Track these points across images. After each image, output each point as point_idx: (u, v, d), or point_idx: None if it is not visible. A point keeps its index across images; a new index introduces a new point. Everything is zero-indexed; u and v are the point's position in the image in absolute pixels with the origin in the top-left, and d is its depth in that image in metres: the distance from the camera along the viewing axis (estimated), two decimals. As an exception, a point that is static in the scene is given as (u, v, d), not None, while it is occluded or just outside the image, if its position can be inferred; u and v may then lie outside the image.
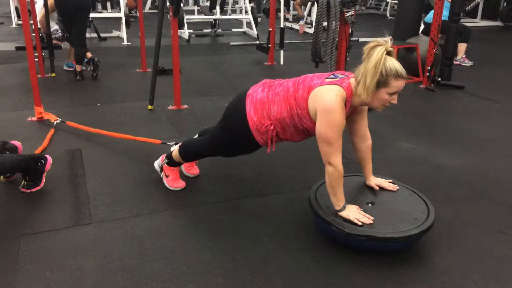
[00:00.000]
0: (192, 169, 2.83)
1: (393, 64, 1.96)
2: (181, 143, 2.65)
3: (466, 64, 6.32)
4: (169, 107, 4.20)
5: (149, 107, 4.14)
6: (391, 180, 2.40)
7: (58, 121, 3.58)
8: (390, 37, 2.09)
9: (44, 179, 2.65)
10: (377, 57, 1.94)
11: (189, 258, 2.05)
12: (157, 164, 2.73)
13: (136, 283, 1.88)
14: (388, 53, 1.98)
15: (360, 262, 2.04)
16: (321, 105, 2.01)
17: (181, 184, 2.67)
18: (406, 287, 1.90)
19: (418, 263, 2.06)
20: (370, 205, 2.20)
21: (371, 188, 2.35)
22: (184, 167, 2.81)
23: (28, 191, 2.59)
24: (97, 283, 1.88)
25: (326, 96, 2.00)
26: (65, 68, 5.61)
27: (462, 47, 6.27)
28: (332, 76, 2.10)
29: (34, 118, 3.77)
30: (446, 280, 1.95)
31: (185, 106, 4.25)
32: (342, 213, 2.09)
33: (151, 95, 4.14)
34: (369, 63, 1.96)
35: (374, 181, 2.36)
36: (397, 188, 2.35)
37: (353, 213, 2.08)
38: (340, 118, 1.99)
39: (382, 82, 1.97)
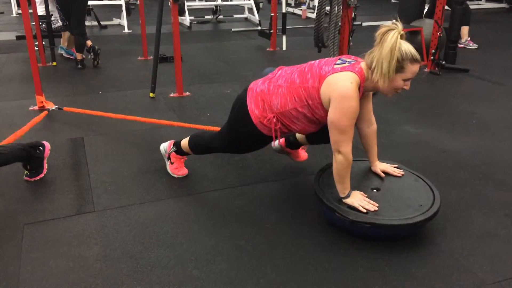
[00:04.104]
0: (301, 153, 2.77)
1: (408, 48, 1.92)
2: (191, 134, 2.61)
3: (471, 47, 6.25)
4: (171, 95, 4.18)
5: (151, 95, 4.12)
6: (396, 165, 2.37)
7: (54, 108, 3.57)
8: (394, 20, 2.04)
9: (45, 166, 2.65)
10: (391, 42, 1.88)
11: (193, 245, 2.05)
12: (163, 148, 2.69)
13: (140, 270, 1.88)
14: (400, 37, 1.93)
15: (364, 247, 2.03)
16: (336, 92, 1.95)
17: (184, 171, 2.66)
18: (410, 271, 1.89)
19: (423, 246, 2.04)
20: (375, 191, 2.18)
21: (376, 174, 2.32)
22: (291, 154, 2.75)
23: (32, 179, 2.59)
24: (101, 271, 1.88)
25: (342, 84, 1.95)
26: (65, 55, 5.60)
27: (464, 30, 6.18)
28: (340, 62, 2.04)
29: (36, 107, 3.76)
30: (451, 263, 1.94)
31: (187, 93, 4.22)
32: (347, 200, 2.07)
33: (152, 83, 4.11)
34: (383, 48, 1.90)
35: (380, 166, 2.33)
36: (403, 173, 2.32)
37: (358, 200, 2.06)
38: (355, 105, 1.95)
39: (397, 67, 1.92)
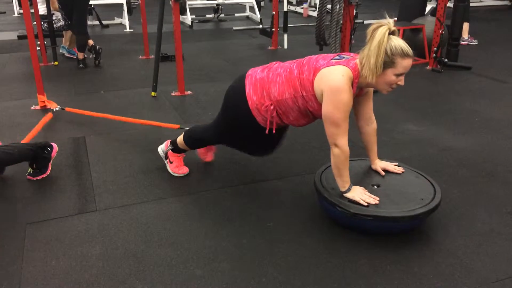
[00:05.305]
0: (207, 155, 2.80)
1: (398, 42, 1.92)
2: (186, 130, 2.63)
3: (473, 43, 6.25)
4: (173, 94, 4.18)
5: (153, 93, 4.12)
6: (396, 163, 2.37)
7: (57, 108, 3.58)
8: (395, 18, 2.04)
9: (50, 167, 2.66)
10: (379, 37, 1.89)
11: (195, 244, 2.05)
12: (161, 149, 2.71)
13: (142, 269, 1.88)
14: (392, 33, 1.93)
15: (365, 245, 2.03)
16: (328, 85, 1.97)
17: (185, 170, 2.66)
18: (412, 269, 1.88)
19: (425, 245, 2.04)
20: (376, 187, 2.18)
21: (376, 171, 2.32)
22: (199, 153, 2.78)
23: (35, 178, 2.60)
24: (103, 270, 1.88)
25: (333, 76, 1.96)
26: (66, 54, 5.60)
27: (465, 26, 6.16)
28: (337, 57, 2.06)
29: (38, 107, 3.77)
30: (453, 262, 1.93)
31: (189, 92, 4.22)
32: (348, 194, 2.07)
33: (154, 81, 4.12)
34: (372, 44, 1.92)
35: (380, 164, 2.33)
36: (403, 170, 2.32)
37: (359, 194, 2.06)
38: (347, 98, 1.95)
39: (388, 62, 1.92)
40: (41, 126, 3.22)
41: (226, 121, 2.38)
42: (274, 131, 2.23)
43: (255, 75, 2.23)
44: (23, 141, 2.91)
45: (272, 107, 2.16)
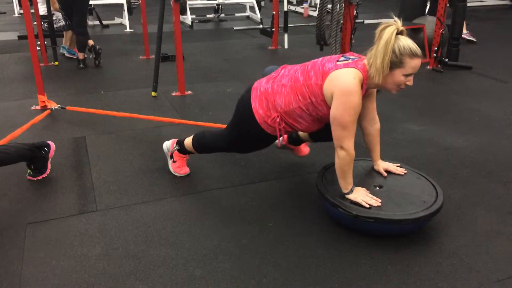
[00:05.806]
0: (302, 151, 2.79)
1: (407, 42, 1.91)
2: (195, 134, 2.60)
3: (472, 39, 6.24)
4: (173, 94, 4.18)
5: (153, 93, 4.11)
6: (398, 164, 2.37)
7: (56, 107, 3.57)
8: (396, 18, 2.03)
9: (49, 166, 2.66)
10: (386, 37, 1.89)
11: (195, 244, 2.05)
12: (166, 146, 2.69)
13: (142, 269, 1.88)
14: (400, 33, 1.93)
15: (367, 245, 2.02)
16: (338, 88, 1.95)
17: (186, 170, 2.66)
18: (413, 269, 1.88)
19: (426, 245, 2.04)
20: (378, 188, 2.18)
21: (379, 172, 2.32)
22: (295, 151, 2.78)
23: (35, 178, 2.60)
24: (104, 270, 1.88)
25: (344, 79, 1.95)
26: (67, 55, 5.60)
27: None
28: (343, 58, 2.04)
29: (38, 107, 3.76)
30: (454, 262, 1.93)
31: (189, 92, 4.22)
32: (350, 196, 2.07)
33: (154, 81, 4.11)
34: (379, 44, 1.91)
35: (382, 165, 2.33)
36: (405, 171, 2.32)
37: (361, 195, 2.06)
38: (358, 101, 1.94)
39: (396, 62, 1.91)
40: (35, 122, 3.22)
41: (237, 132, 2.35)
42: (284, 142, 2.23)
43: (259, 88, 2.22)
44: (10, 136, 2.91)
45: (279, 119, 2.15)
